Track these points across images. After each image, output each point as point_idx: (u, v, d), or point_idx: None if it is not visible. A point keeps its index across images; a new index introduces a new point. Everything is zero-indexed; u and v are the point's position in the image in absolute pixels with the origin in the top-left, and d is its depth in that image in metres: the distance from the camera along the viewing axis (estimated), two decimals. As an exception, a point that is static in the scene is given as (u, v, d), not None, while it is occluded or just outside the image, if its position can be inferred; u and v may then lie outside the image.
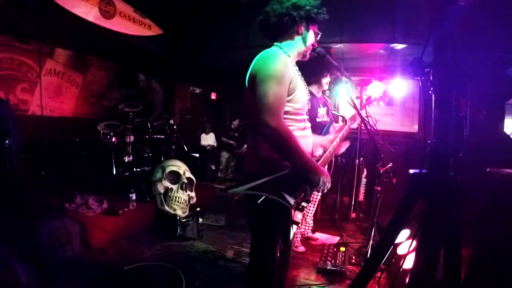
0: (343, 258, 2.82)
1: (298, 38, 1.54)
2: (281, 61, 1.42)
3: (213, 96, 8.37)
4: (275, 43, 1.56)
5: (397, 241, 1.69)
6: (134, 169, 3.97)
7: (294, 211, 1.43)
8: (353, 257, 2.98)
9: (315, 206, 3.29)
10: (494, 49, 3.28)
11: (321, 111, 2.87)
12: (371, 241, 2.72)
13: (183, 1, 4.36)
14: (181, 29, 5.04)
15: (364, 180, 4.36)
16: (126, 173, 4.00)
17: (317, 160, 1.68)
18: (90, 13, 3.71)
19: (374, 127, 2.85)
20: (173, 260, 2.79)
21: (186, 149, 5.07)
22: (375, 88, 3.93)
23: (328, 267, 2.68)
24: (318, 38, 1.60)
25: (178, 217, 3.39)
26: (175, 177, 3.60)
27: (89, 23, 3.72)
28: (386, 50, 3.98)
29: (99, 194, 3.52)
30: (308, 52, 1.61)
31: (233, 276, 2.63)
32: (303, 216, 3.21)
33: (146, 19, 4.48)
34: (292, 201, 1.35)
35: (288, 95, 1.44)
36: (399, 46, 3.76)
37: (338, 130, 2.18)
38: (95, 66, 5.47)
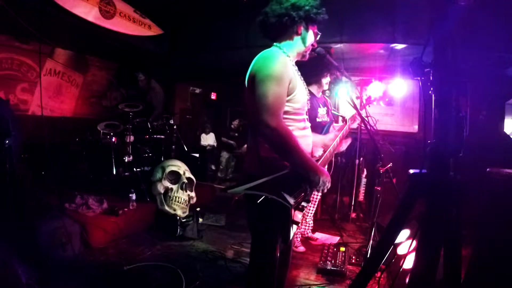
0: (343, 258, 2.82)
1: (297, 38, 1.54)
2: (281, 61, 1.42)
3: (213, 96, 8.37)
4: (275, 43, 1.56)
5: (397, 241, 1.69)
6: (134, 169, 3.97)
7: (294, 211, 1.43)
8: (353, 257, 2.98)
9: (315, 206, 3.29)
10: (494, 49, 3.29)
11: (321, 111, 2.88)
12: (371, 241, 2.72)
13: (183, 1, 4.37)
14: (181, 29, 5.04)
15: (364, 180, 4.36)
16: (126, 173, 4.00)
17: (317, 160, 1.68)
18: (90, 13, 3.71)
19: (374, 127, 2.86)
20: (173, 260, 2.79)
21: (186, 149, 5.07)
22: (375, 88, 3.92)
23: (328, 267, 2.68)
24: (317, 38, 1.60)
25: (178, 217, 3.39)
26: (175, 177, 3.60)
27: (89, 23, 3.73)
28: (386, 50, 3.98)
29: (99, 194, 3.51)
30: (308, 52, 1.61)
31: (233, 276, 2.63)
32: (303, 216, 3.21)
33: (146, 19, 4.49)
34: (292, 201, 1.34)
35: (288, 95, 1.44)
36: (399, 46, 3.76)
37: (338, 130, 2.18)
38: (95, 66, 5.47)
